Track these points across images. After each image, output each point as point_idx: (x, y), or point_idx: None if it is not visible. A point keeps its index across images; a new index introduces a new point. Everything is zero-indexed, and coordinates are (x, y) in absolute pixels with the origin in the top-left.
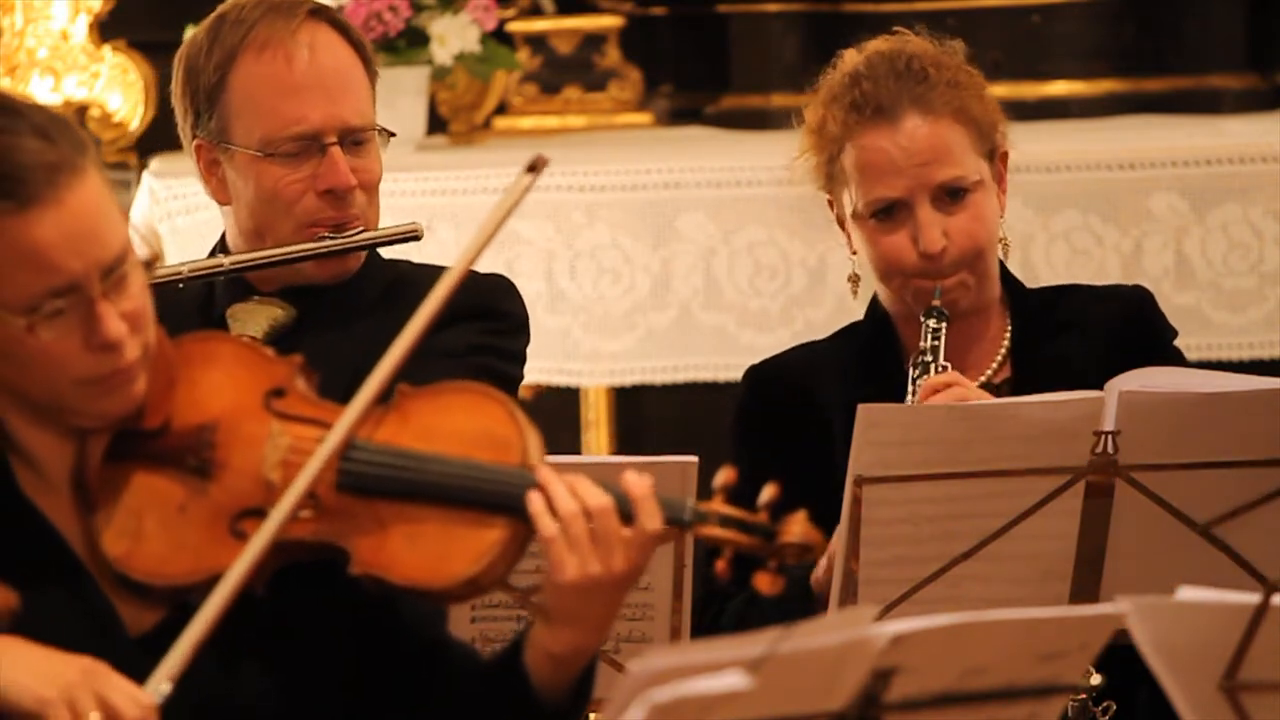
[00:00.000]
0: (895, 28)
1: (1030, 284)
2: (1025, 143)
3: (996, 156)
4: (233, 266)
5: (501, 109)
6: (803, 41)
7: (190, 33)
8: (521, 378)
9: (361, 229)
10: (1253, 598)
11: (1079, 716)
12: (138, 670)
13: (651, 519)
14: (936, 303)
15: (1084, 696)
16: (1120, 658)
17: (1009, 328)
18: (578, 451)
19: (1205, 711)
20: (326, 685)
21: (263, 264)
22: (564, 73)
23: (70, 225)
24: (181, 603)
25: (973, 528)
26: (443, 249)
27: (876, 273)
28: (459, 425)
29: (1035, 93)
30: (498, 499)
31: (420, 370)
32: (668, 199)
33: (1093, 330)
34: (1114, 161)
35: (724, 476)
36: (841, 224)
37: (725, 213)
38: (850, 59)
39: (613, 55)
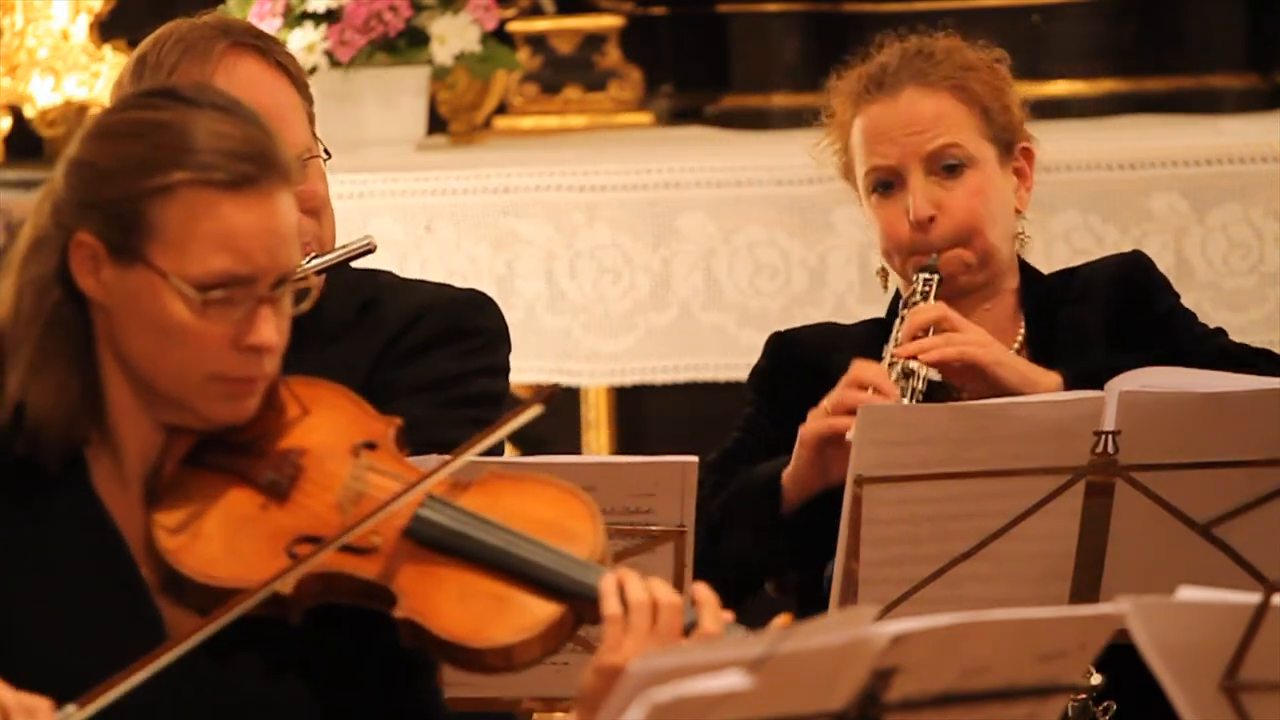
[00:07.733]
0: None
1: None
2: None
3: (1015, 150)
4: None
5: (502, 109)
6: (803, 41)
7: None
8: (507, 389)
9: (314, 255)
10: (1253, 598)
11: (1079, 716)
12: (175, 677)
13: (713, 622)
14: (931, 261)
15: (1084, 696)
16: (1120, 658)
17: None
18: (578, 451)
19: (1205, 711)
20: None
21: None
22: (564, 73)
23: (270, 222)
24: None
25: (973, 528)
26: (443, 249)
27: (881, 253)
28: (538, 511)
29: (1035, 93)
30: (561, 581)
31: (400, 408)
32: (668, 199)
33: (1094, 297)
34: (1114, 161)
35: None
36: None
37: (725, 213)
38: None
39: (613, 55)
